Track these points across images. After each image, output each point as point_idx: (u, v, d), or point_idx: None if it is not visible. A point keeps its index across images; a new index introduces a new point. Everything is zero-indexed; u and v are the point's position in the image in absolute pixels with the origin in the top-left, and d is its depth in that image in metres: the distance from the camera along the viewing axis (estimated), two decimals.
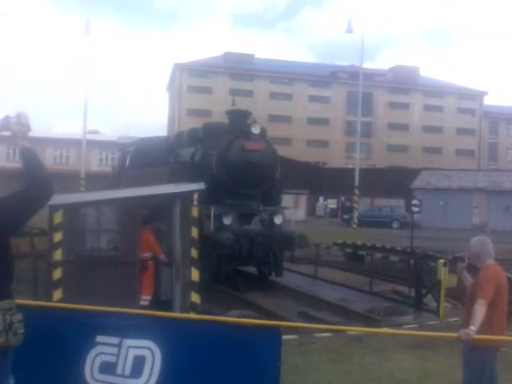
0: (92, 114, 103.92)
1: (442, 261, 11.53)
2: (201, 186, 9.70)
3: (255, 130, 14.00)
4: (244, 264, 14.01)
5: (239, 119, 14.56)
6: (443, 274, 11.20)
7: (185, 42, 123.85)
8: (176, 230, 9.47)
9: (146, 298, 9.88)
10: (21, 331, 3.06)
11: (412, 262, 12.98)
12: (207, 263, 13.46)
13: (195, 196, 9.39)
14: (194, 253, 9.23)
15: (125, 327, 3.86)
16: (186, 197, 9.40)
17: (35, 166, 3.00)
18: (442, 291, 11.22)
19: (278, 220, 13.89)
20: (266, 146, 14.38)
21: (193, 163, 14.64)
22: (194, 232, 9.29)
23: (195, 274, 9.21)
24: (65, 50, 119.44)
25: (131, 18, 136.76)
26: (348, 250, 18.50)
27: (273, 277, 14.47)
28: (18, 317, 3.06)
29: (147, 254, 10.00)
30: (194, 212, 9.33)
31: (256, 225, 13.92)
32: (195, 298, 9.15)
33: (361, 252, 17.44)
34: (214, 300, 11.56)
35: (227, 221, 13.28)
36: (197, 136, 15.32)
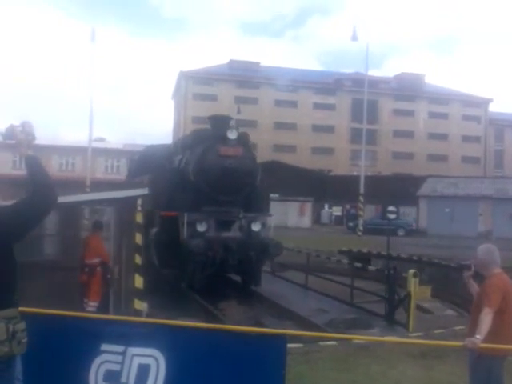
0: (98, 121, 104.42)
1: (412, 271, 10.98)
2: (144, 191, 9.52)
3: (232, 135, 13.65)
4: (219, 272, 13.62)
5: (220, 125, 14.24)
6: (413, 285, 10.64)
7: (192, 50, 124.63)
8: (111, 235, 9.37)
9: (93, 304, 9.87)
10: (24, 340, 3.05)
11: (386, 272, 12.47)
12: (183, 270, 13.38)
13: (139, 202, 9.14)
14: (138, 259, 9.06)
15: (129, 335, 3.86)
16: (121, 203, 9.25)
17: (40, 173, 3.03)
18: (412, 303, 10.65)
19: (255, 227, 13.57)
20: (244, 152, 14.01)
21: (178, 170, 14.58)
22: (138, 238, 9.10)
23: (139, 281, 9.02)
24: (73, 59, 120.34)
25: (138, 27, 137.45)
26: (334, 259, 17.74)
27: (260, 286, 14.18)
28: (22, 325, 3.04)
29: (95, 260, 9.97)
30: (138, 218, 9.12)
31: (235, 232, 13.64)
32: (139, 305, 8.95)
33: (345, 261, 17.00)
34: (179, 307, 11.55)
35: (201, 228, 13.07)
36: (186, 143, 15.28)
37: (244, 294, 13.86)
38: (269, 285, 15.85)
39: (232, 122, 14.49)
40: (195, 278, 13.17)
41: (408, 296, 10.79)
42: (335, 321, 11.35)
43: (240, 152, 13.84)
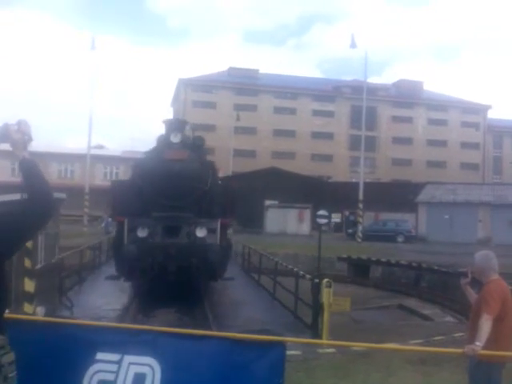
0: (98, 128, 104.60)
1: (325, 280, 10.13)
2: (17, 196, 9.46)
3: (175, 138, 13.49)
4: (158, 278, 13.01)
5: (171, 128, 14.11)
6: (326, 295, 9.84)
7: (194, 58, 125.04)
8: None
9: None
10: (12, 374, 2.52)
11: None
12: (127, 276, 13.32)
13: None
14: (28, 263, 8.96)
15: (126, 343, 3.81)
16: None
17: (36, 179, 2.62)
18: (326, 315, 9.83)
19: (200, 233, 13.10)
20: (190, 155, 13.66)
21: (135, 175, 14.46)
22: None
23: (29, 285, 8.94)
24: (74, 67, 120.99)
25: (140, 36, 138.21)
26: (290, 267, 15.74)
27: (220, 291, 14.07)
28: (9, 357, 2.52)
29: None
30: None
31: (182, 238, 13.29)
32: (29, 308, 8.86)
33: (296, 269, 15.67)
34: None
35: (142, 233, 12.85)
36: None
37: (188, 303, 13.25)
38: (234, 292, 15.48)
39: (187, 126, 14.36)
40: (135, 283, 13.07)
41: (321, 307, 9.99)
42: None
43: (185, 156, 13.52)
